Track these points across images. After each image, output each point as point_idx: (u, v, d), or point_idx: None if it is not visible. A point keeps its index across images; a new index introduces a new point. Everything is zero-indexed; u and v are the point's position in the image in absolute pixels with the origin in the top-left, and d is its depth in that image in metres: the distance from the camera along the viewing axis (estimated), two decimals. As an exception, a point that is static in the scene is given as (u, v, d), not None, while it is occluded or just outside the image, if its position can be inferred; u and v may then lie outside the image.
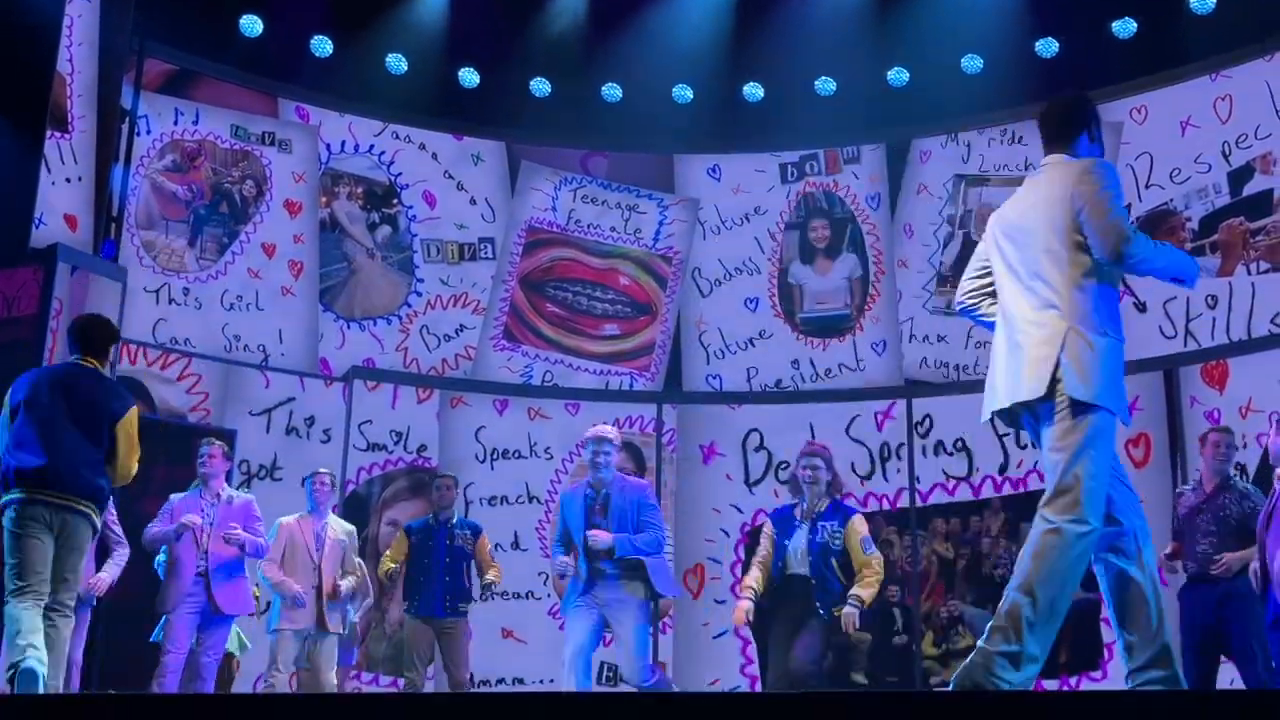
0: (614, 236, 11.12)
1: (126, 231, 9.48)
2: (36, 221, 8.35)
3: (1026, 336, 4.16)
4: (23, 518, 5.49)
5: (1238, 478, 7.14)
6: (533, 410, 10.44)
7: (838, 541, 6.89)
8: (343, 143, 10.69)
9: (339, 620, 7.89)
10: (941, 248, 10.64)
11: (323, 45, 10.51)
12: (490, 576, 8.10)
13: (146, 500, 8.40)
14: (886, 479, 10.22)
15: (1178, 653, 4.33)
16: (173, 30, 9.76)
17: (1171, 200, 9.77)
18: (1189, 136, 9.72)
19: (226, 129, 10.22)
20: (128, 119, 9.45)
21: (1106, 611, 4.31)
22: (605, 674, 9.88)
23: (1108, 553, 4.19)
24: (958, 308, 4.68)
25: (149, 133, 9.80)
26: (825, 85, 10.83)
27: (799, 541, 6.94)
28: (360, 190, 10.72)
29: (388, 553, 8.28)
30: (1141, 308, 9.74)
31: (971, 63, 10.48)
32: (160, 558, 7.55)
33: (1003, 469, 9.94)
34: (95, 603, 7.31)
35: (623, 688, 8.87)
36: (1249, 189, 9.46)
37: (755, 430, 10.47)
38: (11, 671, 5.26)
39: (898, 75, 10.69)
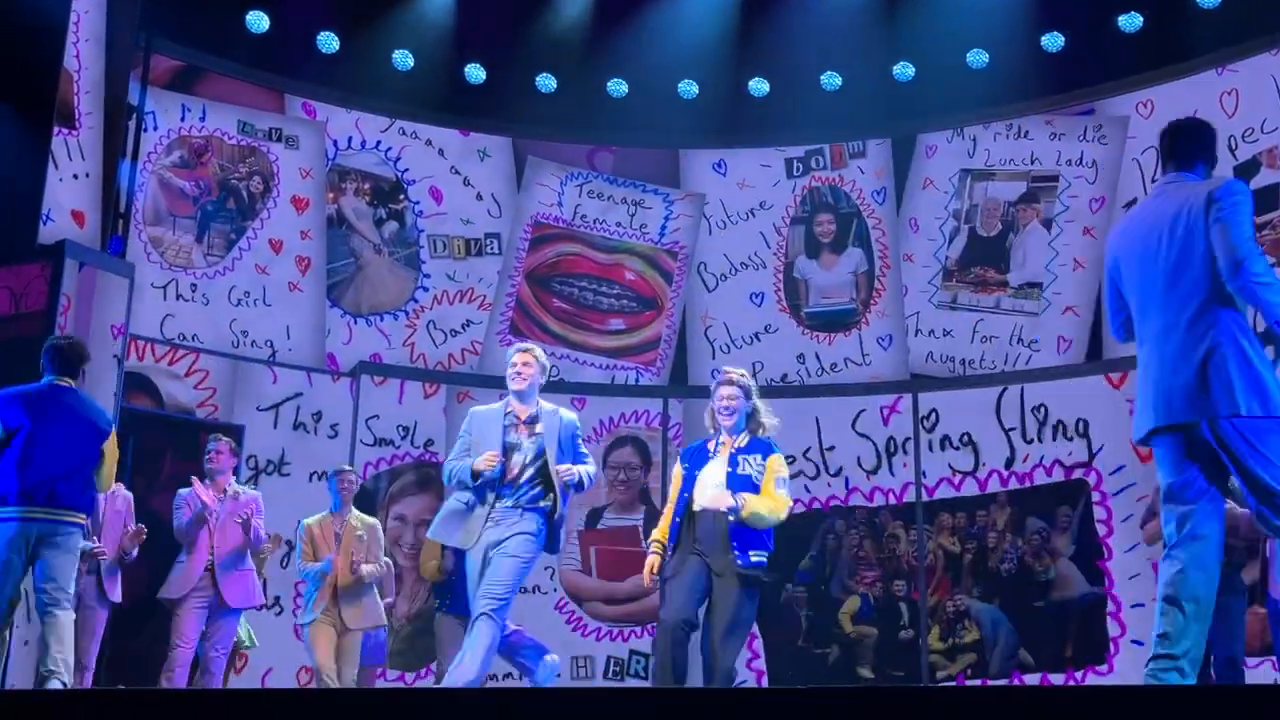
0: (620, 231, 11.13)
1: (134, 227, 9.50)
2: (44, 218, 8.37)
3: (1189, 352, 4.09)
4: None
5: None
6: (539, 405, 10.43)
7: (761, 477, 6.08)
8: (349, 139, 10.70)
9: (357, 615, 7.78)
10: (947, 242, 10.64)
11: (329, 41, 10.52)
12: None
13: (154, 497, 8.44)
14: (893, 473, 10.24)
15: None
16: (179, 26, 9.77)
17: (1177, 195, 9.74)
18: (1195, 131, 9.69)
19: (233, 125, 10.23)
20: (135, 115, 9.46)
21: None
22: (612, 668, 9.92)
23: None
24: (1122, 341, 4.58)
25: (156, 129, 9.82)
26: (831, 80, 10.83)
27: (714, 474, 6.09)
28: (367, 186, 10.74)
29: (424, 551, 8.24)
30: (1147, 302, 9.73)
31: (977, 57, 10.47)
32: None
33: (1009, 463, 9.95)
34: (118, 599, 7.34)
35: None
36: (1255, 183, 9.43)
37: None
38: None
39: (903, 70, 10.69)
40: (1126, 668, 9.18)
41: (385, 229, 10.76)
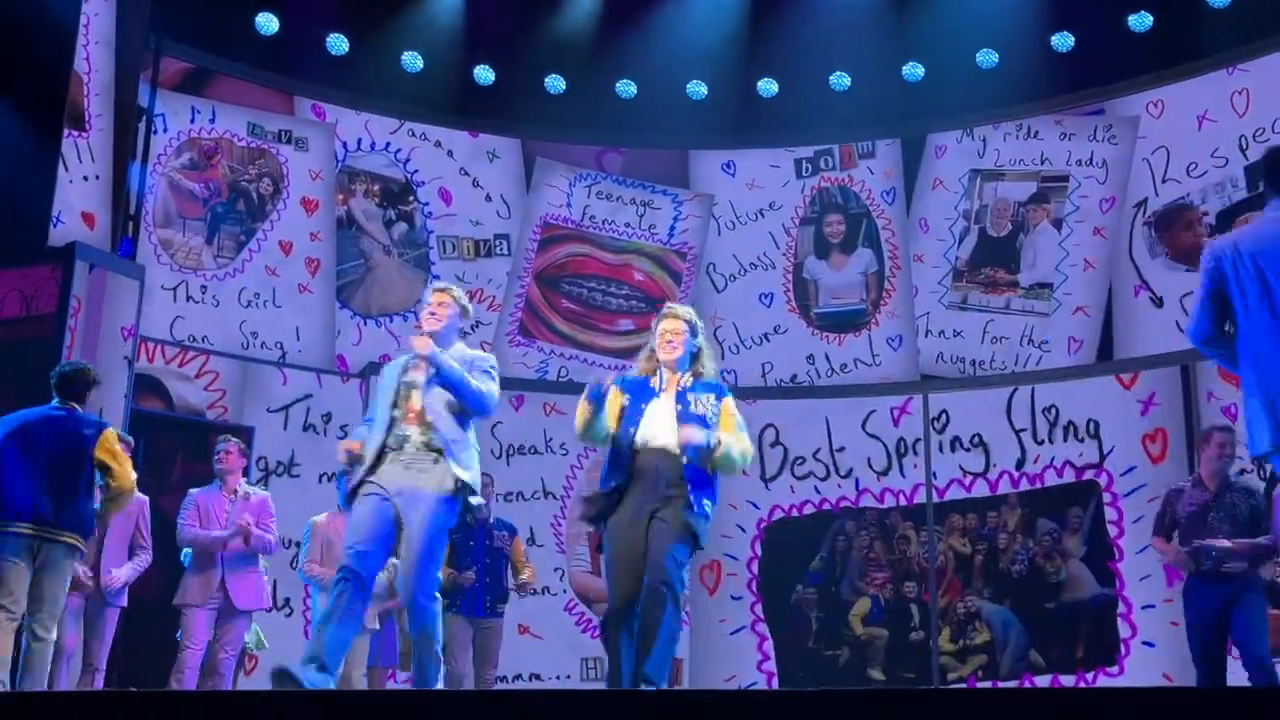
0: (629, 232, 11.12)
1: (144, 229, 9.52)
2: (54, 220, 8.38)
3: None
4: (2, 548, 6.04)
5: (1237, 475, 7.14)
6: (548, 406, 10.45)
7: (715, 418, 5.51)
8: (359, 140, 10.71)
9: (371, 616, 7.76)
10: (957, 242, 10.62)
11: (338, 43, 10.53)
12: (525, 576, 8.17)
13: (165, 498, 8.46)
14: (903, 475, 10.22)
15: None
16: (189, 29, 9.79)
17: (1188, 194, 9.74)
18: (1206, 130, 9.69)
19: (243, 127, 10.25)
20: (145, 117, 9.48)
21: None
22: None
23: None
24: (1205, 351, 4.53)
25: (166, 131, 9.84)
26: (840, 80, 10.82)
27: (662, 411, 5.48)
28: (377, 187, 10.75)
29: None
30: (1158, 303, 9.72)
31: (987, 57, 10.46)
32: (187, 551, 7.58)
33: (1020, 464, 9.93)
34: (125, 604, 7.34)
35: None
36: (1266, 183, 9.42)
37: (771, 426, 10.47)
38: None
39: (913, 70, 10.67)
40: (1137, 669, 9.15)
41: (395, 230, 10.77)
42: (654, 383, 5.56)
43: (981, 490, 10.01)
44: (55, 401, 6.35)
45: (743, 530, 10.32)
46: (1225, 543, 6.62)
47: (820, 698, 3.61)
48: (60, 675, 6.86)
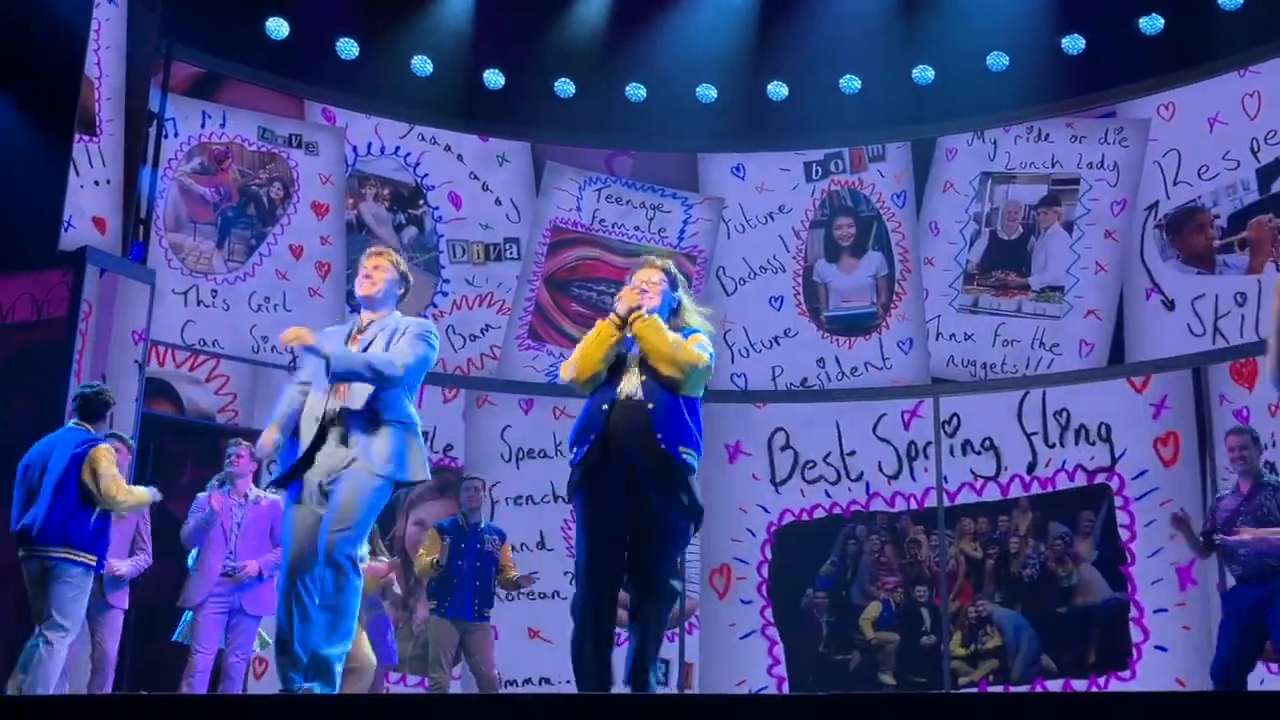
0: (638, 236, 11.12)
1: (155, 234, 9.54)
2: (65, 224, 8.40)
3: None
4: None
5: (1269, 474, 7.13)
6: (558, 409, 10.44)
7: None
8: (369, 144, 10.72)
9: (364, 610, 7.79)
10: (968, 245, 10.60)
11: (348, 47, 10.54)
12: (513, 574, 8.19)
13: (175, 502, 8.46)
14: (914, 478, 10.20)
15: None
16: (200, 33, 9.81)
17: (1200, 197, 9.71)
18: (1217, 133, 9.66)
19: (253, 131, 10.27)
20: (155, 122, 9.50)
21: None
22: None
23: None
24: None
25: (176, 135, 9.86)
26: (850, 83, 10.81)
27: (630, 370, 4.94)
28: (387, 192, 10.76)
29: (422, 550, 8.30)
30: (1170, 305, 9.69)
31: (997, 60, 10.44)
32: (194, 554, 7.59)
33: (1031, 468, 9.90)
34: (125, 605, 7.35)
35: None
36: (1278, 185, 9.40)
37: (781, 429, 10.46)
38: None
39: (923, 73, 10.65)
40: (1150, 674, 9.12)
41: (405, 234, 10.78)
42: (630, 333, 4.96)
43: (993, 494, 9.99)
44: (72, 422, 6.66)
45: (753, 534, 10.31)
46: (1245, 535, 6.62)
47: (831, 702, 3.60)
48: (68, 679, 6.86)
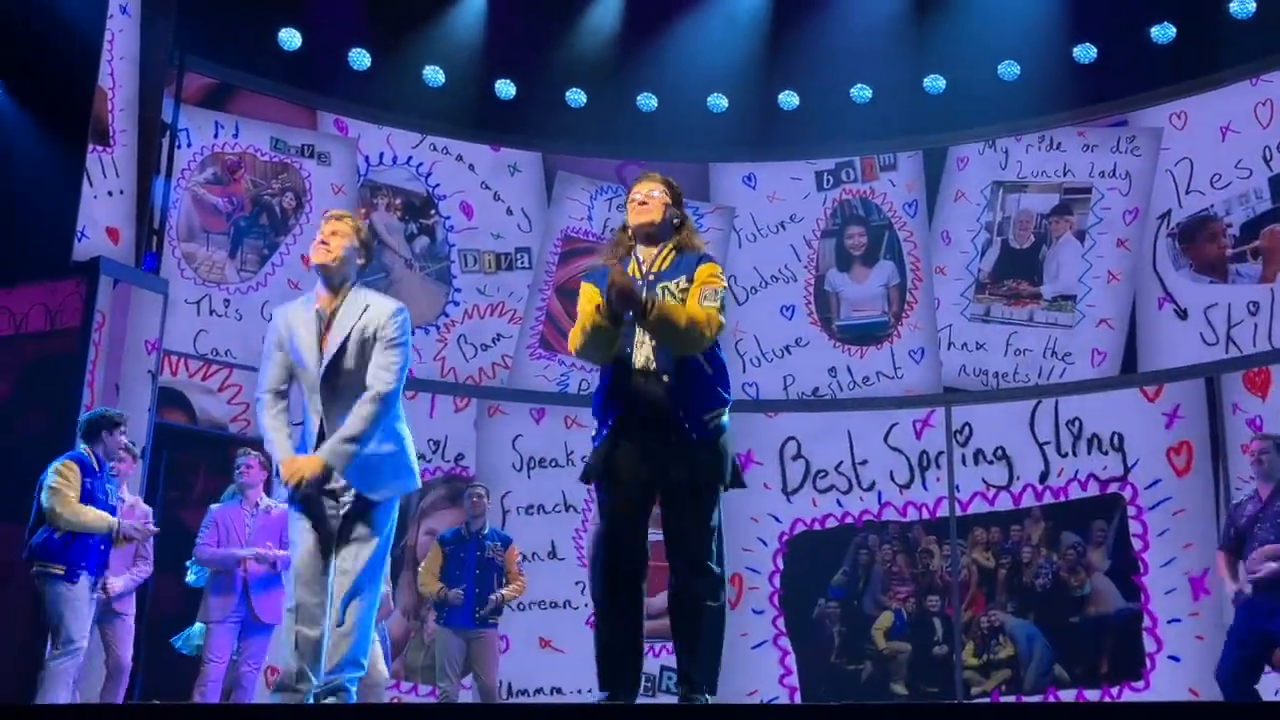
0: (650, 245, 11.11)
1: (168, 244, 9.57)
2: (79, 235, 8.44)
3: None
4: None
5: None
6: (569, 419, 10.45)
7: (678, 293, 4.44)
8: (381, 154, 10.75)
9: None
10: (980, 255, 10.59)
11: (361, 58, 10.58)
12: (507, 591, 8.14)
13: (186, 510, 8.49)
14: (926, 488, 10.18)
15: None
16: (212, 44, 9.84)
17: (1212, 206, 9.69)
18: (1229, 142, 9.64)
19: (266, 142, 10.30)
20: (168, 132, 9.53)
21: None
22: (644, 683, 9.89)
23: None
24: None
25: (189, 146, 9.89)
26: (861, 93, 10.81)
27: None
28: (398, 201, 10.79)
29: (424, 567, 8.30)
30: (1183, 314, 9.67)
31: (1008, 69, 10.43)
32: (192, 574, 7.60)
33: (1043, 478, 9.88)
34: (132, 613, 7.36)
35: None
36: (1291, 194, 9.38)
37: (793, 438, 10.45)
38: None
39: (934, 82, 10.65)
40: (1163, 684, 9.09)
41: (416, 244, 10.80)
42: (631, 269, 4.47)
43: (1005, 503, 9.97)
44: (78, 447, 6.85)
45: (764, 544, 10.29)
46: (1264, 564, 6.63)
47: (843, 712, 3.60)
48: (80, 689, 6.87)
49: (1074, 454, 9.83)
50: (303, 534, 4.84)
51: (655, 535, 4.31)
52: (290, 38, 10.31)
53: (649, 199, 4.54)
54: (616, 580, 4.31)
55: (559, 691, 9.82)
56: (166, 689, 8.08)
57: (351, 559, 4.75)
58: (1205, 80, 9.83)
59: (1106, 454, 9.71)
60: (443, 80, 10.77)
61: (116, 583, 7.26)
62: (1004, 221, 10.57)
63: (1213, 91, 9.78)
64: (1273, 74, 9.52)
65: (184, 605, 7.77)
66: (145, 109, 9.19)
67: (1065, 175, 10.40)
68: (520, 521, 9.99)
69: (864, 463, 10.34)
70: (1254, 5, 9.57)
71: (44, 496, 6.56)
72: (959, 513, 10.04)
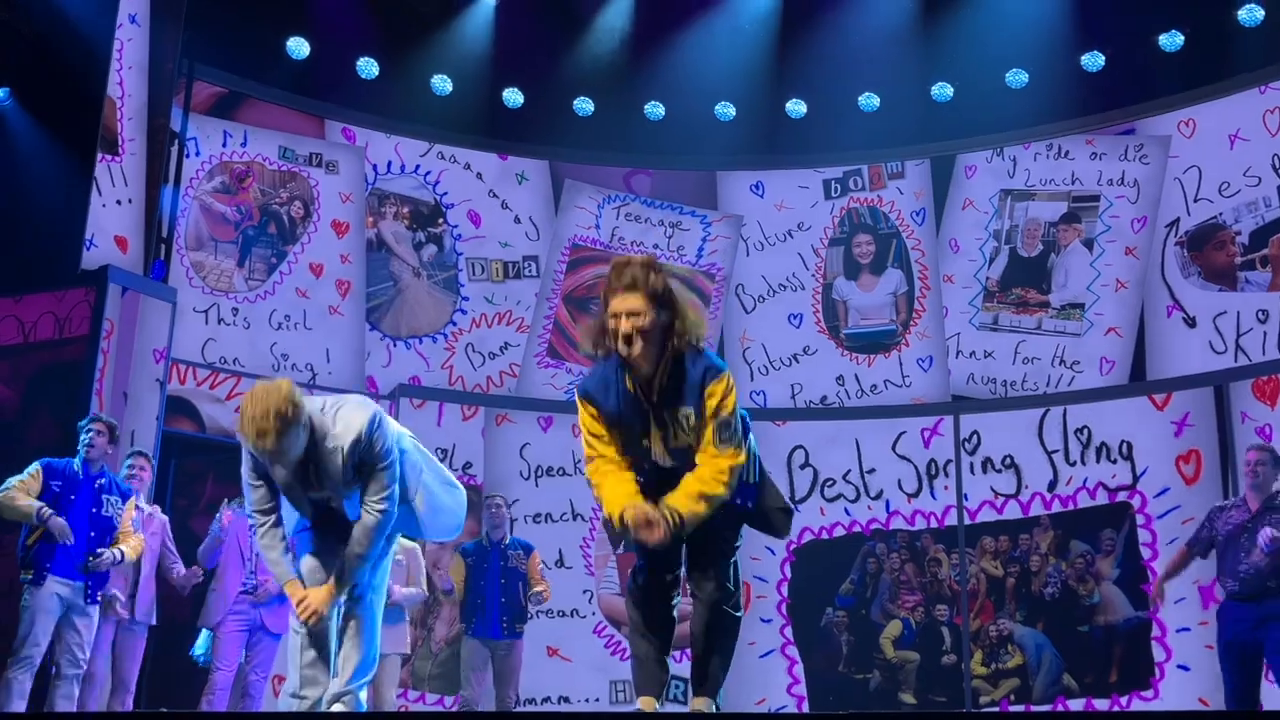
0: (657, 253, 11.11)
1: (176, 252, 9.59)
2: (87, 243, 8.45)
3: None
4: None
5: None
6: (576, 428, 10.41)
7: (688, 426, 4.09)
8: (389, 163, 10.77)
9: (397, 638, 7.74)
10: (988, 263, 10.57)
11: (369, 67, 10.60)
12: (539, 589, 8.15)
13: (196, 518, 8.49)
14: (934, 496, 10.16)
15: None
16: (221, 53, 9.87)
17: (1221, 214, 9.67)
18: (1238, 149, 9.63)
19: (274, 150, 10.32)
20: (177, 141, 9.56)
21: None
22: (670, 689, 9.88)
23: None
24: None
25: (198, 155, 9.91)
26: (869, 101, 10.81)
27: (656, 448, 4.17)
28: (406, 210, 10.80)
29: (450, 573, 8.31)
30: (1191, 323, 9.65)
31: (1016, 77, 10.43)
32: (201, 648, 7.61)
33: (1052, 486, 9.85)
34: (155, 621, 7.36)
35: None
36: (1300, 202, 9.36)
37: (800, 447, 10.43)
38: None
39: (942, 90, 10.65)
40: (1172, 693, 9.05)
41: (424, 252, 10.81)
42: (627, 383, 4.10)
43: (1013, 512, 9.94)
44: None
45: (772, 552, 10.27)
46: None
47: (850, 722, 3.58)
48: (89, 696, 6.88)
49: (1083, 462, 9.80)
50: (309, 544, 4.84)
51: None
52: (298, 47, 10.34)
53: (632, 329, 3.96)
54: (652, 601, 4.27)
55: (566, 700, 9.81)
56: (174, 698, 8.07)
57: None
58: (1214, 88, 9.82)
59: (1115, 462, 9.69)
60: (450, 89, 10.79)
61: (182, 577, 7.28)
62: (1012, 230, 10.55)
63: (1221, 99, 9.77)
64: (1281, 82, 9.52)
65: (192, 614, 7.76)
66: (154, 118, 9.21)
67: (1073, 183, 10.39)
68: (528, 530, 9.97)
69: (872, 471, 10.32)
70: (1262, 13, 9.56)
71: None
72: (967, 521, 10.02)
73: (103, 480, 6.81)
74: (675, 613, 4.33)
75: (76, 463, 6.75)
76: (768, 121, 11.00)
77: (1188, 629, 9.07)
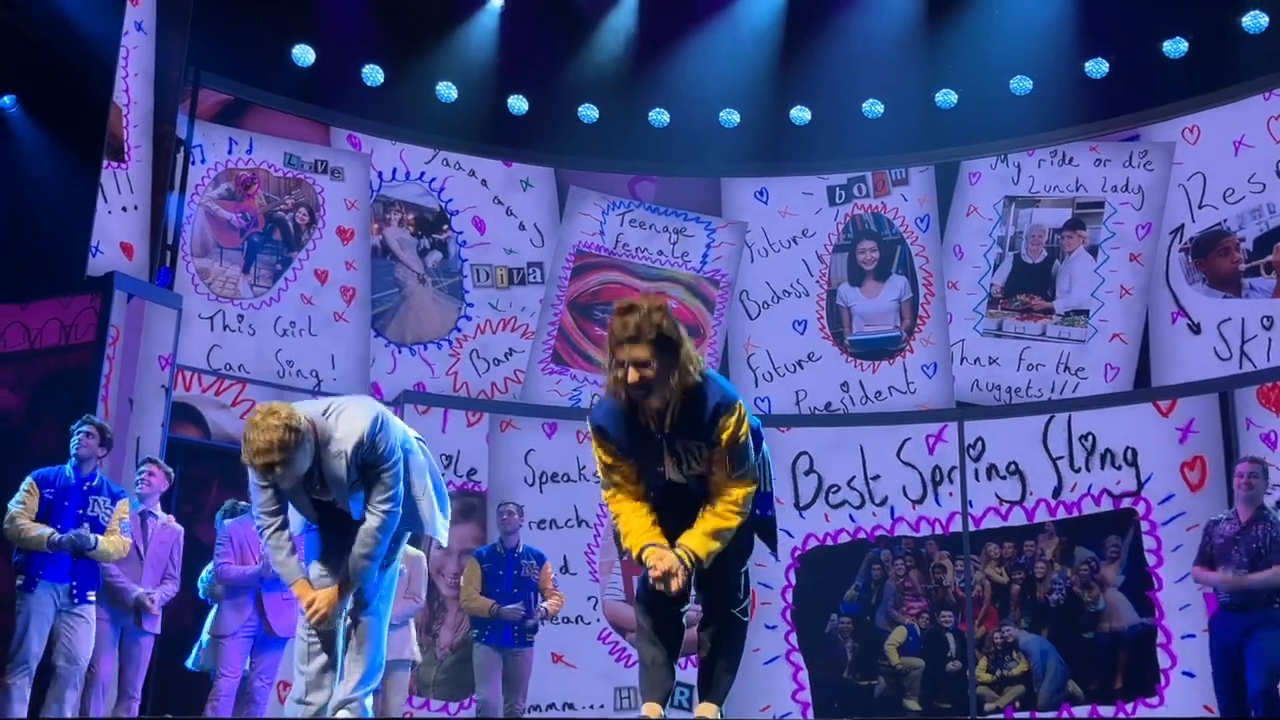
0: (661, 260, 11.13)
1: (182, 259, 9.60)
2: (93, 250, 8.47)
3: None
4: None
5: (1273, 509, 7.13)
6: (581, 433, 10.41)
7: (700, 456, 4.10)
8: (394, 170, 10.78)
9: (400, 644, 7.75)
10: (992, 269, 10.58)
11: (374, 74, 10.62)
12: (549, 605, 8.15)
13: (200, 526, 8.49)
14: (939, 503, 10.15)
15: None
16: (226, 60, 9.89)
17: (1225, 221, 9.67)
18: (1242, 156, 9.63)
19: (280, 157, 10.33)
20: (183, 148, 9.57)
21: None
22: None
23: None
24: None
25: (204, 161, 9.93)
26: (873, 107, 10.82)
27: (674, 484, 4.19)
28: (411, 217, 10.81)
29: (465, 582, 8.25)
30: (1196, 329, 9.64)
31: (1020, 84, 10.43)
32: (205, 579, 7.60)
33: (1056, 493, 9.85)
34: (159, 631, 7.36)
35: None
36: (1305, 208, 9.37)
37: (805, 453, 10.43)
38: None
39: (946, 97, 10.66)
40: (1177, 700, 9.04)
41: (429, 259, 10.82)
42: (641, 418, 4.10)
43: (1018, 519, 9.94)
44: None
45: (776, 559, 10.25)
46: (1223, 577, 6.74)
47: (856, 729, 3.58)
48: (95, 703, 6.88)
49: (1087, 469, 9.80)
50: (316, 547, 4.85)
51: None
52: (304, 54, 10.36)
53: (636, 369, 3.95)
54: (660, 607, 4.25)
55: (571, 707, 9.81)
56: (179, 705, 8.08)
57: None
58: (1218, 94, 9.82)
59: (1120, 469, 9.69)
60: (455, 96, 10.81)
61: (157, 594, 7.27)
62: (1016, 236, 10.56)
63: (1225, 106, 9.77)
64: (1285, 88, 9.52)
65: (197, 621, 7.77)
66: (160, 125, 9.23)
67: (1077, 190, 10.39)
68: (532, 536, 9.96)
69: (876, 478, 10.32)
70: (1266, 19, 9.57)
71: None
72: (972, 528, 10.01)
73: (93, 482, 6.83)
74: (684, 619, 4.35)
75: (68, 468, 6.77)
76: (772, 128, 11.01)
77: (1192, 636, 9.06)
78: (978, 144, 10.71)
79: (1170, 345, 9.76)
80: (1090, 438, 9.81)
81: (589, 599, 10.10)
